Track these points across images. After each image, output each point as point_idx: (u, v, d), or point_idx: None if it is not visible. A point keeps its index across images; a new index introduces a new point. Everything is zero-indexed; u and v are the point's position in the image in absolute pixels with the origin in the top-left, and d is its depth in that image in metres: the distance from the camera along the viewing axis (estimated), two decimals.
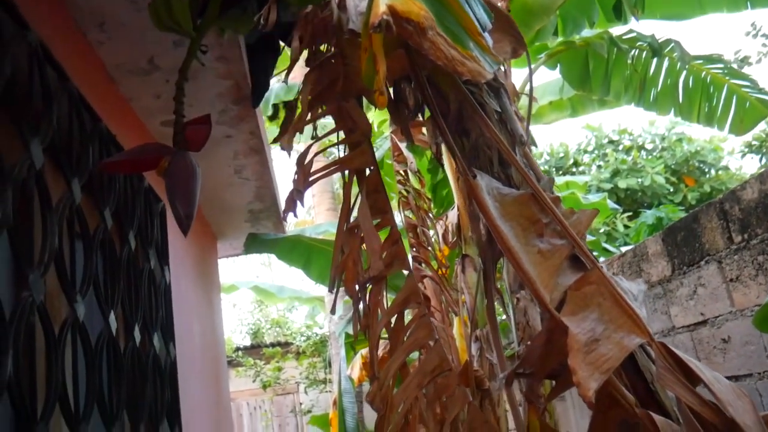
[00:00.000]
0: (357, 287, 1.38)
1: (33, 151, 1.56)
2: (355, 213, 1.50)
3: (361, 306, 1.36)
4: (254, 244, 4.17)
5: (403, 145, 3.31)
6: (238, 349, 7.99)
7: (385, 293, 1.37)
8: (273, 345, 8.21)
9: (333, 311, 1.25)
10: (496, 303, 3.47)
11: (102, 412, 1.83)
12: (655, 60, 3.95)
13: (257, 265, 14.20)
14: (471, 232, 3.25)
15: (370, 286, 1.35)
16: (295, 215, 1.35)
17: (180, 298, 2.87)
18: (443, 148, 1.87)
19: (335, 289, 1.35)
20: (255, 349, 8.11)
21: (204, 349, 3.30)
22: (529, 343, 2.57)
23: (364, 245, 1.41)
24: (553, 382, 1.33)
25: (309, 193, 7.24)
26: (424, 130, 3.43)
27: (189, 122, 1.71)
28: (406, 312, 1.50)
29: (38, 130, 1.61)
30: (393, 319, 1.35)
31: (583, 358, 1.12)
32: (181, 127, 1.66)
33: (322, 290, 8.07)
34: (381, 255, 1.32)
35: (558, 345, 1.19)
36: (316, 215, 6.84)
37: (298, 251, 4.24)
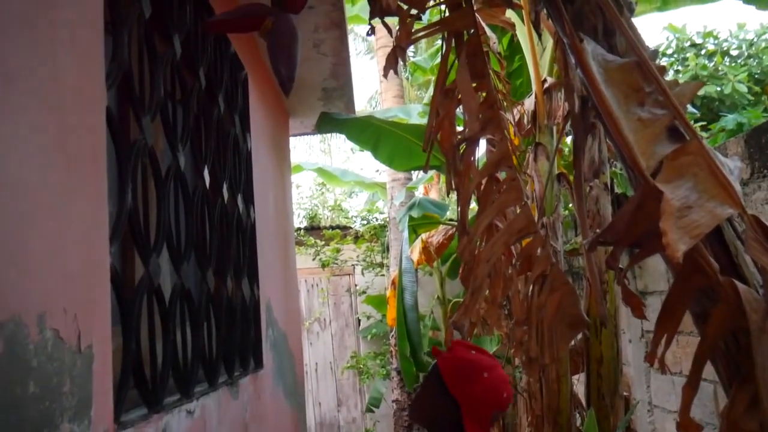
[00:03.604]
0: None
1: (142, 1, 1.61)
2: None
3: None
4: (326, 122, 4.24)
5: (486, 26, 3.23)
6: (298, 229, 8.29)
7: (476, 156, 1.41)
8: (332, 228, 8.47)
9: (427, 162, 1.24)
10: (563, 193, 3.49)
11: (198, 257, 1.99)
12: None
13: (317, 152, 14.39)
14: (547, 120, 3.22)
15: (464, 147, 1.39)
16: (396, 73, 1.38)
17: (258, 166, 2.99)
18: (542, 19, 1.83)
19: (429, 149, 1.40)
20: (315, 230, 8.39)
21: (277, 216, 3.46)
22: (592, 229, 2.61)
23: (459, 108, 1.44)
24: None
25: (376, 79, 7.19)
26: (506, 13, 3.33)
27: None
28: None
29: None
30: (483, 181, 1.40)
31: (674, 222, 1.15)
32: None
33: (383, 178, 8.19)
34: (477, 116, 1.35)
35: (648, 211, 1.22)
36: (383, 101, 6.82)
37: (368, 133, 4.29)
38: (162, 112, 1.76)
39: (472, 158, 1.39)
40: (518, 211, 1.39)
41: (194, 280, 2.01)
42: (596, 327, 2.67)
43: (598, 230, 2.74)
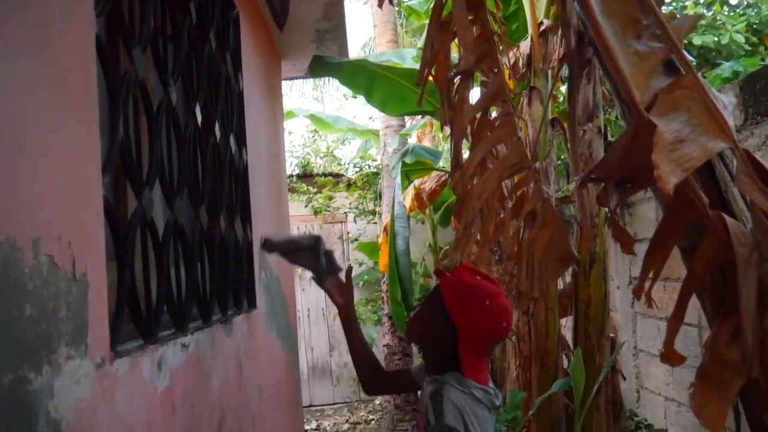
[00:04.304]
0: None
1: None
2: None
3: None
4: (319, 66, 4.18)
5: None
6: (291, 176, 8.26)
7: (471, 89, 1.40)
8: (324, 175, 8.45)
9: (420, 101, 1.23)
10: (556, 140, 3.48)
11: (191, 194, 1.99)
12: None
13: (309, 99, 14.22)
14: (542, 64, 3.19)
15: (458, 80, 1.38)
16: (391, 3, 1.35)
17: (250, 107, 2.96)
18: None
19: (423, 83, 1.39)
20: (307, 177, 8.37)
21: (269, 159, 3.44)
22: None
23: (454, 41, 1.42)
24: None
25: (370, 24, 7.06)
26: None
27: None
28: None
29: None
30: (478, 115, 1.39)
31: (667, 155, 1.16)
32: None
33: (376, 125, 8.13)
34: (473, 49, 1.34)
35: (641, 144, 1.23)
36: (376, 47, 6.71)
37: (362, 77, 4.24)
38: (152, 45, 1.72)
39: (467, 91, 1.38)
40: (511, 146, 1.39)
41: (187, 217, 2.01)
42: (585, 269, 2.71)
43: None
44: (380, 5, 1.36)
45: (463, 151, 1.56)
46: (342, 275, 1.86)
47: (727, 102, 1.29)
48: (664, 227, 1.29)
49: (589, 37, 1.37)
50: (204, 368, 1.93)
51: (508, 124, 1.38)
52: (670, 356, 1.35)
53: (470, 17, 1.41)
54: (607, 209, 1.51)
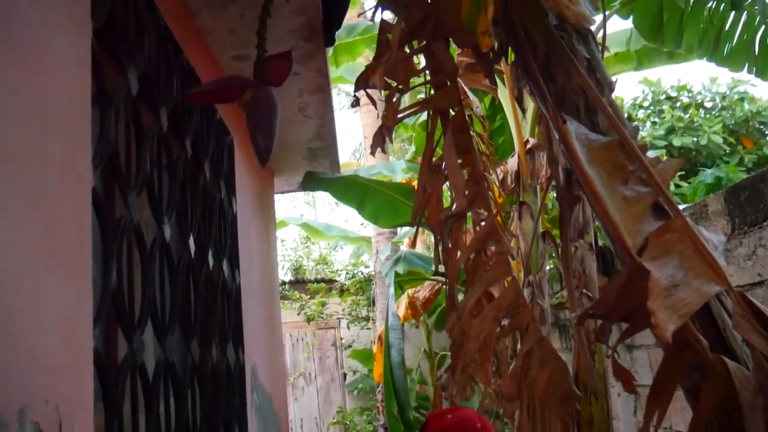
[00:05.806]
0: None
1: (130, 78, 1.62)
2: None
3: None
4: (311, 181, 4.26)
5: (468, 90, 3.30)
6: (283, 283, 8.23)
7: (464, 231, 1.42)
8: (317, 281, 8.42)
9: (414, 244, 1.27)
10: (548, 251, 3.51)
11: (183, 328, 1.96)
12: (733, 13, 3.79)
13: (301, 204, 14.42)
14: (530, 180, 3.26)
15: (451, 222, 1.40)
16: (383, 151, 1.40)
17: (244, 228, 2.98)
18: (524, 93, 1.87)
19: (417, 224, 1.41)
20: (300, 284, 8.34)
21: (262, 277, 3.43)
22: (586, 289, 2.61)
23: (446, 183, 1.46)
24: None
25: (361, 135, 7.27)
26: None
27: (270, 57, 1.75)
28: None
29: (133, 58, 1.68)
30: (471, 255, 1.40)
31: (662, 301, 1.16)
32: (263, 61, 1.71)
33: (368, 231, 8.20)
34: (464, 192, 1.37)
35: (636, 288, 1.23)
36: (366, 156, 6.89)
37: (354, 191, 4.32)
38: (148, 184, 1.75)
39: (460, 233, 1.40)
40: (506, 285, 1.39)
41: (178, 350, 1.97)
42: (586, 388, 2.65)
43: (584, 290, 2.75)
44: (373, 153, 1.40)
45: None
46: None
47: (717, 242, 1.31)
48: (664, 370, 1.27)
49: (576, 177, 1.40)
50: None
51: (503, 263, 1.38)
52: None
53: (460, 161, 1.45)
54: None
